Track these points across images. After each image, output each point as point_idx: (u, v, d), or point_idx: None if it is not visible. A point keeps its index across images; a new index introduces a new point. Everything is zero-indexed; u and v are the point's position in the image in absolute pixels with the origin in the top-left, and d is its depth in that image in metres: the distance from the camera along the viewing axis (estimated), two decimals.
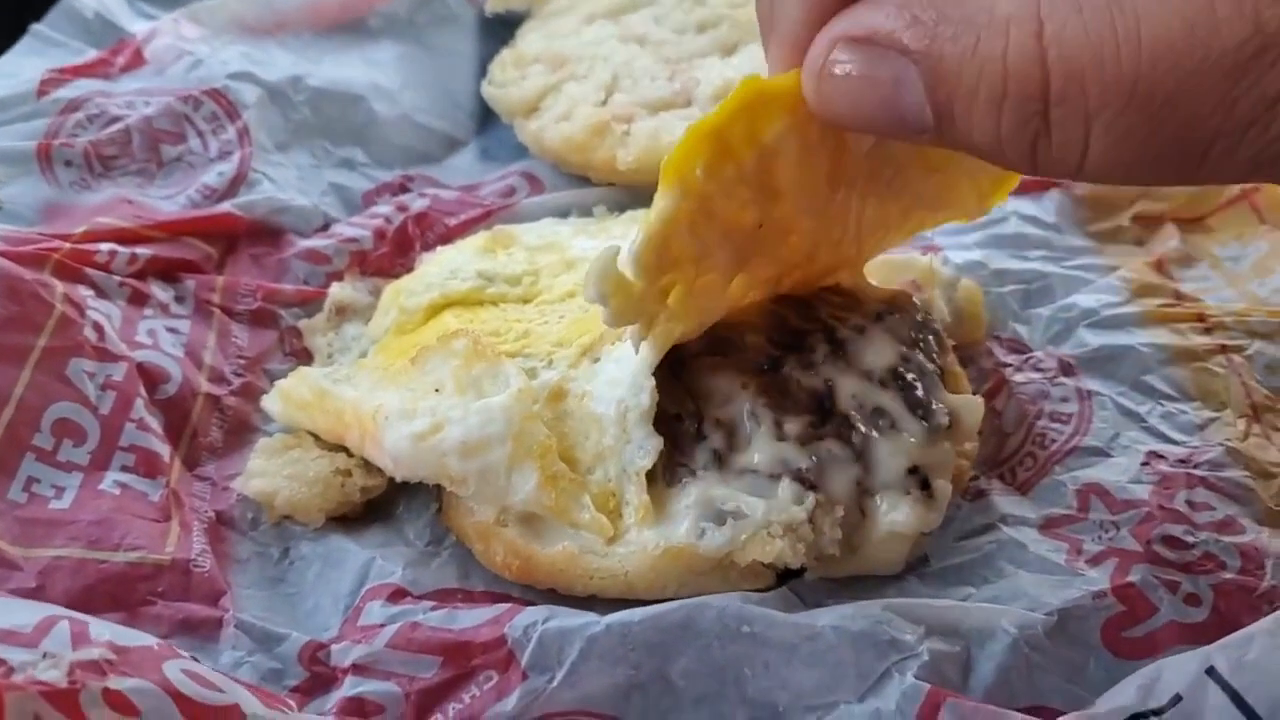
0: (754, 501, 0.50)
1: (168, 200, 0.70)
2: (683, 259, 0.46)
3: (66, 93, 0.72)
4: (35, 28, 0.80)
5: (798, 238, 0.50)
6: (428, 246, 0.71)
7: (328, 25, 0.87)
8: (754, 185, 0.45)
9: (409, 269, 0.69)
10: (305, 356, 0.66)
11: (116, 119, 0.72)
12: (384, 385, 0.55)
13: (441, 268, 0.64)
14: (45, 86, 0.72)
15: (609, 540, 0.51)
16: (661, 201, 0.44)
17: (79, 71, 0.75)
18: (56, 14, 0.81)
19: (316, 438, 0.58)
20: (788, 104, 0.42)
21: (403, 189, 0.78)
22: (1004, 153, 0.37)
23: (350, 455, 0.57)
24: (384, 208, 0.74)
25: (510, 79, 0.85)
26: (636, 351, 0.51)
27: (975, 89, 0.36)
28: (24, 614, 0.42)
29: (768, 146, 0.43)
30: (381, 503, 0.57)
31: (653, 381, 0.51)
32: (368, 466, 0.57)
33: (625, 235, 0.64)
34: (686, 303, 0.48)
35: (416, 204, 0.74)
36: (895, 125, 0.39)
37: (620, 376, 0.53)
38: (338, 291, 0.68)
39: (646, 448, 0.51)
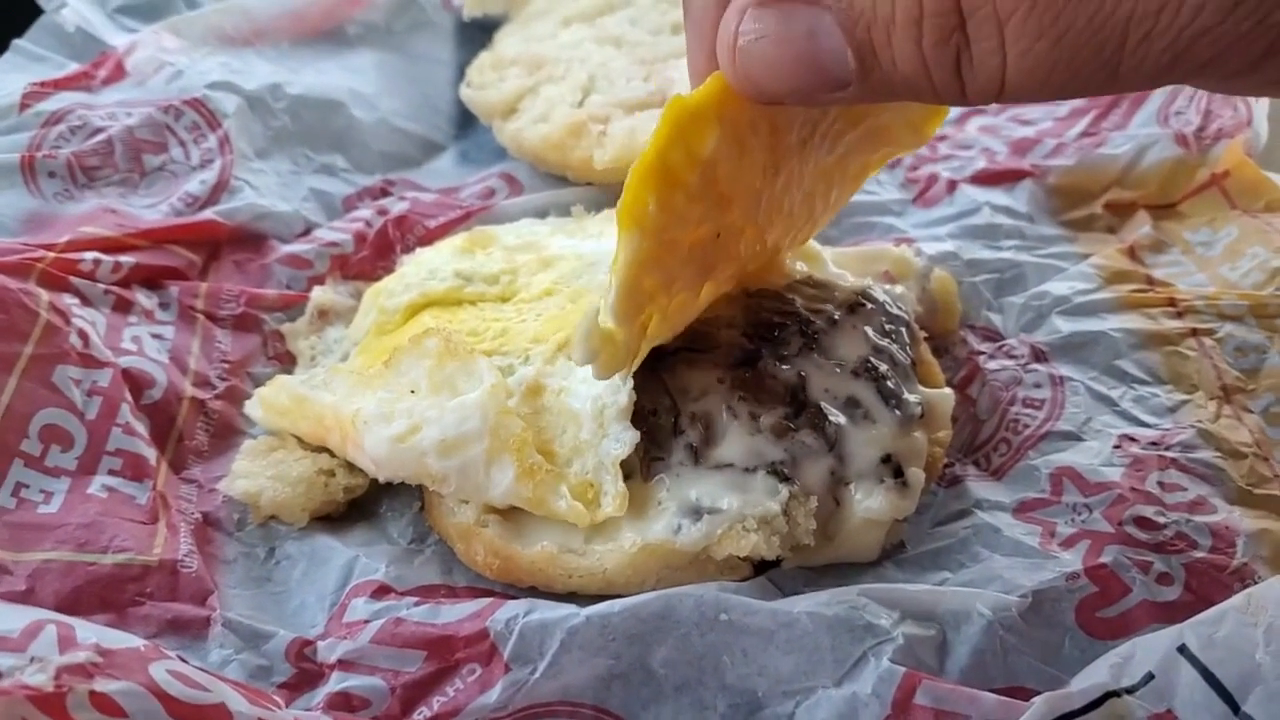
0: (729, 496, 0.50)
1: (150, 209, 0.70)
2: (655, 292, 0.46)
3: (49, 105, 0.73)
4: (17, 43, 0.80)
5: (752, 230, 0.50)
6: (408, 249, 0.72)
7: (306, 34, 0.88)
8: (703, 200, 0.44)
9: (390, 271, 0.70)
10: (288, 360, 0.66)
11: (99, 130, 0.73)
12: (360, 389, 0.56)
13: (420, 268, 0.65)
14: (28, 100, 0.73)
15: (587, 527, 0.51)
16: (625, 249, 0.43)
17: (61, 84, 0.76)
18: (38, 29, 0.82)
19: (300, 439, 0.59)
20: (714, 109, 0.41)
21: (383, 193, 0.78)
22: (931, 79, 0.36)
23: (333, 455, 0.58)
24: (364, 211, 0.75)
25: (488, 81, 0.85)
26: (623, 383, 0.51)
27: (891, 14, 0.36)
28: (11, 618, 0.43)
29: (707, 160, 0.42)
30: (365, 502, 0.58)
31: (631, 383, 0.52)
32: (350, 466, 0.57)
33: (602, 232, 0.65)
34: (663, 324, 0.49)
35: (396, 207, 0.75)
36: (818, 80, 0.38)
37: None
38: (319, 295, 0.68)
39: (623, 439, 0.52)
